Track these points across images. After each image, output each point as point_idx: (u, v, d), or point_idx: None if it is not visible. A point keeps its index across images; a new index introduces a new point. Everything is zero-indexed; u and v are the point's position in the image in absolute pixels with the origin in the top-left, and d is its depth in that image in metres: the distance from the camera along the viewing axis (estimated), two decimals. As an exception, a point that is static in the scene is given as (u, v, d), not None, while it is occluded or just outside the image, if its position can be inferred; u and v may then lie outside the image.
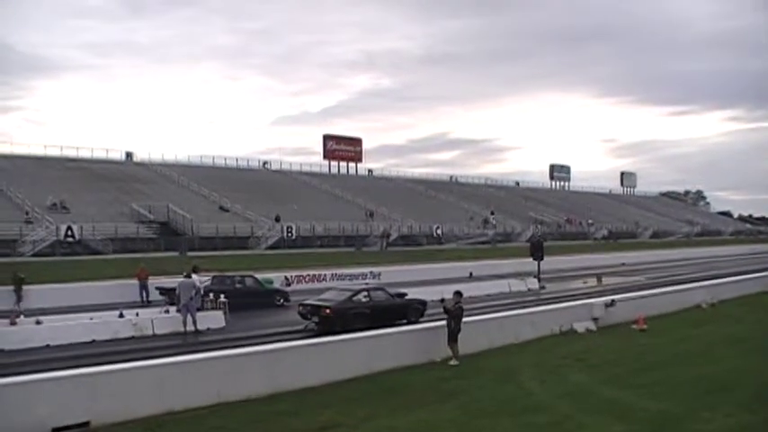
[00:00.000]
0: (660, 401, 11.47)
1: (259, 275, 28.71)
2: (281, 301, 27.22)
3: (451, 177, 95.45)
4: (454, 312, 15.46)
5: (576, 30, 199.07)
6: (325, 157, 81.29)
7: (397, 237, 57.25)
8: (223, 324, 21.44)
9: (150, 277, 27.68)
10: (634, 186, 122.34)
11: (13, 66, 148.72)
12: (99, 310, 22.32)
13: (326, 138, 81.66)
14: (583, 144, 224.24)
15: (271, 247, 48.75)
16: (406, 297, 23.42)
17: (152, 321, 20.51)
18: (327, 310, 19.92)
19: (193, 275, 21.53)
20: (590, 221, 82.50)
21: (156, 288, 26.60)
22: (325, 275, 34.95)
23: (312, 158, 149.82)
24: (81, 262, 36.53)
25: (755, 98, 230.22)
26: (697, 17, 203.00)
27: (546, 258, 35.21)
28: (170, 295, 24.25)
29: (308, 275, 34.58)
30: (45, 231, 40.41)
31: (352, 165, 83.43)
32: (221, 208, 55.62)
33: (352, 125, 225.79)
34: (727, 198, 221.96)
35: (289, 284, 31.91)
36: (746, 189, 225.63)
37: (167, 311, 21.84)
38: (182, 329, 20.11)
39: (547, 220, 78.66)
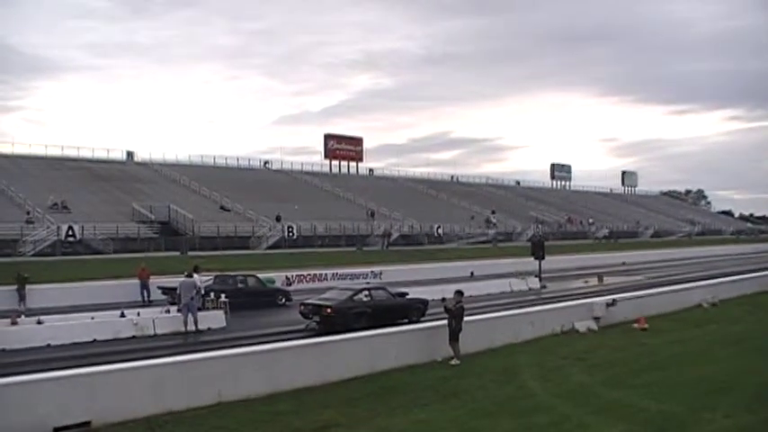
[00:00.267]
0: (661, 402, 11.47)
1: (261, 275, 28.73)
2: (283, 300, 27.24)
3: (452, 177, 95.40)
4: (455, 312, 15.46)
5: (576, 30, 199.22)
6: (326, 156, 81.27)
7: (398, 236, 57.23)
8: (224, 324, 21.44)
9: (151, 277, 27.71)
10: (635, 186, 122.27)
11: (14, 66, 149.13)
12: (100, 309, 22.37)
13: (327, 137, 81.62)
14: (584, 143, 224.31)
15: (272, 247, 48.74)
16: (408, 296, 23.41)
17: (153, 321, 20.52)
18: (328, 310, 19.92)
19: (194, 275, 21.54)
20: (591, 221, 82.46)
21: (159, 288, 26.63)
22: (326, 275, 34.96)
23: (313, 158, 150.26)
24: (82, 262, 36.56)
25: (756, 98, 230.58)
26: (697, 17, 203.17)
27: (547, 258, 35.21)
28: (172, 295, 24.25)
29: (309, 275, 34.60)
30: (46, 231, 40.39)
31: (353, 164, 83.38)
32: (222, 207, 55.61)
33: (353, 125, 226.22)
34: (728, 197, 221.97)
35: (290, 284, 31.94)
36: (747, 188, 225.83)
37: (168, 311, 21.86)
38: (183, 329, 20.13)
39: (548, 220, 78.62)
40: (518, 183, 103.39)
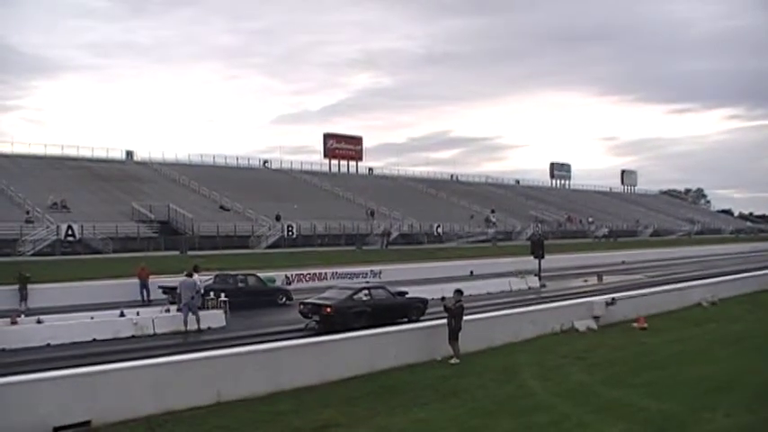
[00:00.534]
0: (660, 401, 11.48)
1: (261, 274, 28.74)
2: (284, 299, 27.24)
3: (452, 176, 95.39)
4: (455, 311, 15.47)
5: (576, 29, 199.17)
6: (325, 155, 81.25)
7: (398, 235, 57.24)
8: (224, 323, 21.43)
9: (151, 276, 27.71)
10: (634, 185, 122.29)
11: (13, 66, 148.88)
12: (100, 309, 22.35)
13: (327, 136, 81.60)
14: (583, 142, 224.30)
15: (271, 246, 48.75)
16: (407, 296, 23.41)
17: (153, 320, 20.52)
18: (328, 309, 19.91)
19: (194, 275, 21.53)
20: (590, 220, 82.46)
21: (159, 287, 26.62)
22: (325, 274, 34.97)
23: (312, 157, 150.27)
24: (81, 261, 36.57)
25: (755, 96, 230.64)
26: (697, 17, 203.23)
27: (546, 257, 35.22)
28: (173, 294, 24.26)
29: (309, 274, 34.61)
30: (46, 231, 40.39)
31: (352, 163, 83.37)
32: (222, 207, 55.61)
33: (353, 124, 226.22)
34: (728, 196, 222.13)
35: (289, 283, 31.95)
36: (747, 187, 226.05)
37: (168, 310, 21.85)
38: (182, 329, 20.14)
39: (547, 219, 78.62)
40: (518, 182, 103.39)
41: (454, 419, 10.78)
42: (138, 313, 21.27)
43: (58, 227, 40.49)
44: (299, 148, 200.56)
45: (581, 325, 19.72)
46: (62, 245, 39.86)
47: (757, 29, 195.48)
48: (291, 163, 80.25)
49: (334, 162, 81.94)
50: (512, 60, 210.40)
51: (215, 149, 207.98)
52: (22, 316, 20.88)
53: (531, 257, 35.04)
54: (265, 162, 78.05)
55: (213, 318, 21.40)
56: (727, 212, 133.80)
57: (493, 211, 72.04)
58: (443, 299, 16.68)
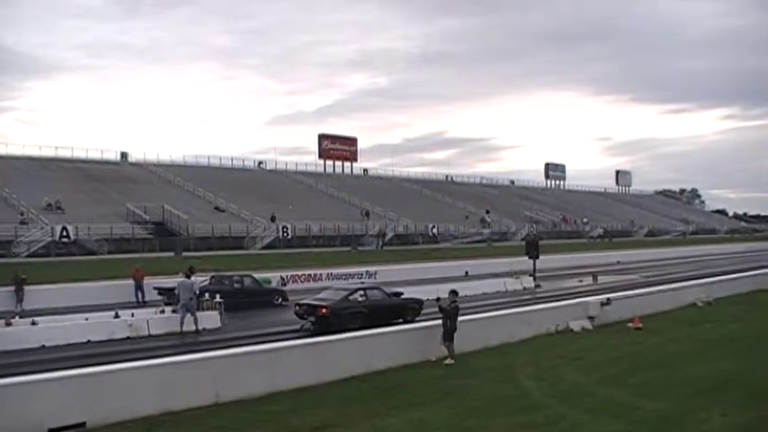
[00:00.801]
0: (656, 400, 11.51)
1: (257, 275, 28.71)
2: (280, 300, 27.27)
3: (447, 176, 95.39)
4: (450, 311, 15.49)
5: (571, 28, 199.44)
6: (320, 156, 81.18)
7: (393, 236, 57.28)
8: (219, 324, 21.41)
9: (146, 278, 27.66)
10: (629, 185, 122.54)
11: (7, 67, 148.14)
12: (94, 310, 22.33)
13: (322, 137, 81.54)
14: (578, 142, 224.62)
15: (266, 247, 48.72)
16: (403, 296, 23.42)
17: (147, 322, 20.48)
18: (324, 310, 19.91)
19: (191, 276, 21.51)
20: (585, 220, 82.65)
21: (155, 288, 26.57)
22: (320, 275, 34.95)
23: (307, 158, 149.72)
24: (76, 262, 36.47)
25: (751, 96, 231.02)
26: (692, 16, 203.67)
27: (541, 257, 35.28)
28: (168, 295, 24.26)
29: (304, 275, 34.58)
30: (40, 232, 40.30)
31: (347, 164, 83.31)
32: (216, 208, 55.54)
33: (348, 124, 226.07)
34: (723, 196, 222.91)
35: (284, 284, 31.91)
36: (741, 187, 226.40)
37: (163, 311, 21.83)
38: (178, 330, 20.11)
39: (542, 219, 78.75)
40: (512, 182, 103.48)
41: (450, 420, 10.80)
42: (132, 314, 21.25)
43: (52, 228, 40.41)
44: (294, 148, 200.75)
45: (576, 325, 19.74)
46: (57, 246, 39.77)
47: (754, 28, 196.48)
48: (286, 164, 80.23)
49: (329, 163, 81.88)
50: (507, 60, 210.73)
51: (210, 150, 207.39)
52: (17, 317, 20.82)
53: (526, 258, 35.06)
54: (260, 163, 77.94)
55: (208, 319, 21.37)
56: (722, 213, 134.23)
57: (488, 212, 72.14)
58: (438, 299, 16.65)
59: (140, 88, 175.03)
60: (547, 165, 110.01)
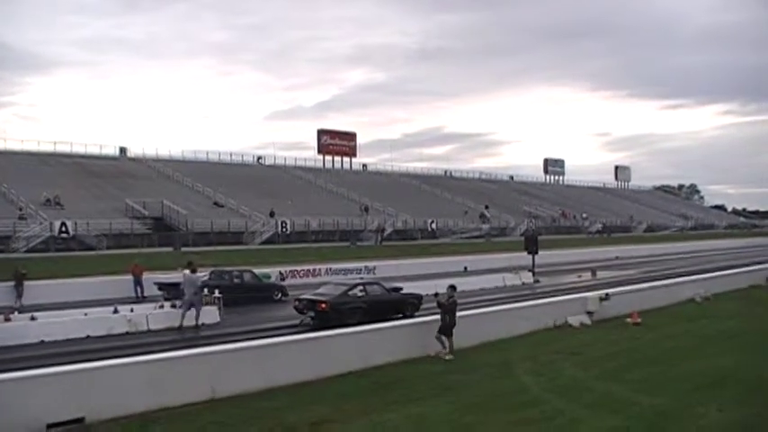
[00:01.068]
0: (654, 396, 11.51)
1: (256, 270, 28.71)
2: (279, 295, 27.27)
3: (446, 172, 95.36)
4: (448, 307, 15.48)
5: (569, 24, 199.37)
6: (319, 151, 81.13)
7: (392, 231, 57.28)
8: (217, 319, 21.41)
9: (145, 273, 27.65)
10: (628, 180, 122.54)
11: (6, 62, 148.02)
12: (93, 305, 22.33)
13: (321, 132, 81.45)
14: (577, 138, 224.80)
15: (265, 243, 48.71)
16: (402, 292, 23.42)
17: (146, 317, 20.48)
18: (323, 305, 19.91)
19: (186, 271, 21.50)
20: (584, 215, 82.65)
21: (156, 283, 26.54)
22: (319, 270, 34.99)
23: (306, 153, 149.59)
24: (75, 258, 36.47)
25: (749, 92, 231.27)
26: (690, 11, 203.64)
27: (540, 252, 35.33)
28: (168, 290, 24.24)
29: (303, 270, 34.61)
30: (39, 227, 40.28)
31: (346, 159, 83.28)
32: (215, 203, 55.53)
33: (346, 120, 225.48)
34: (721, 192, 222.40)
35: (283, 279, 31.95)
36: (740, 183, 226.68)
37: (162, 307, 21.82)
38: (177, 325, 20.11)
39: (541, 215, 78.79)
40: (511, 177, 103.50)
41: (448, 415, 10.79)
42: (131, 310, 21.22)
43: (51, 223, 40.39)
44: (293, 144, 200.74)
45: (575, 320, 19.76)
46: (56, 241, 39.78)
47: (752, 24, 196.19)
48: (285, 159, 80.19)
49: (328, 158, 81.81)
50: (505, 56, 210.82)
51: (209, 146, 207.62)
52: (16, 313, 20.82)
53: (525, 253, 35.13)
54: (259, 158, 77.87)
55: (207, 314, 21.33)
56: (721, 208, 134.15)
57: (487, 207, 72.16)
58: (436, 295, 16.67)
59: (139, 83, 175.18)
60: (546, 160, 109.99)
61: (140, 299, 26.05)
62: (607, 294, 21.63)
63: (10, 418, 10.01)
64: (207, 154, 73.39)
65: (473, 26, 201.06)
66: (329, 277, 32.20)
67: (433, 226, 61.16)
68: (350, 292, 20.77)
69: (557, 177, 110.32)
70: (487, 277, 33.25)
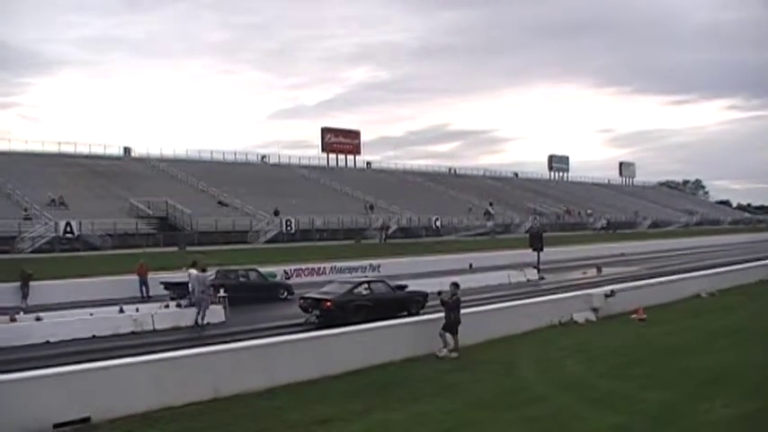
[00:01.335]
0: (659, 392, 11.49)
1: (262, 269, 28.76)
2: (285, 294, 27.33)
3: (450, 169, 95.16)
4: (451, 304, 15.49)
5: (573, 21, 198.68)
6: (323, 150, 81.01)
7: (396, 229, 57.23)
8: (223, 319, 21.49)
9: (150, 272, 27.72)
10: (633, 176, 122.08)
11: (8, 62, 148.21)
12: (99, 305, 22.42)
13: (324, 130, 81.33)
14: (581, 134, 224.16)
15: (270, 241, 48.70)
16: (407, 289, 23.43)
17: (152, 316, 20.56)
18: (328, 304, 19.95)
19: (191, 270, 21.56)
20: (589, 212, 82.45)
21: (161, 283, 26.60)
22: (324, 269, 35.03)
23: (310, 152, 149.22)
24: (80, 258, 36.56)
25: (753, 87, 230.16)
26: (694, 7, 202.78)
27: (545, 249, 35.28)
28: (176, 290, 24.30)
29: (308, 269, 34.67)
30: (44, 228, 40.35)
31: (350, 157, 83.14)
32: (220, 202, 55.54)
33: (350, 118, 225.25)
34: (726, 187, 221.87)
35: (288, 278, 32.02)
36: (745, 178, 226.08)
37: (167, 306, 21.88)
38: (182, 324, 20.25)
39: (546, 211, 78.62)
40: (516, 174, 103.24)
41: (452, 413, 10.80)
42: (137, 309, 21.30)
43: (56, 224, 40.45)
44: (297, 142, 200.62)
45: (580, 317, 19.75)
46: (61, 242, 39.82)
47: (755, 20, 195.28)
48: (289, 158, 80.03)
49: (332, 156, 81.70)
50: (509, 53, 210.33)
51: (213, 145, 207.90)
52: (21, 313, 20.90)
53: (530, 250, 35.11)
54: (263, 157, 77.85)
55: (212, 313, 21.44)
56: (726, 203, 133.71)
57: (491, 204, 72.04)
58: (440, 293, 16.67)
59: (140, 83, 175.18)
60: (550, 157, 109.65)
61: (146, 298, 26.13)
62: (612, 291, 21.61)
63: (17, 417, 10.05)
64: (211, 153, 73.43)
65: (476, 23, 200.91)
66: (334, 276, 32.26)
67: (438, 223, 61.09)
68: (355, 291, 20.79)
69: (561, 174, 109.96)
70: (492, 274, 33.26)
